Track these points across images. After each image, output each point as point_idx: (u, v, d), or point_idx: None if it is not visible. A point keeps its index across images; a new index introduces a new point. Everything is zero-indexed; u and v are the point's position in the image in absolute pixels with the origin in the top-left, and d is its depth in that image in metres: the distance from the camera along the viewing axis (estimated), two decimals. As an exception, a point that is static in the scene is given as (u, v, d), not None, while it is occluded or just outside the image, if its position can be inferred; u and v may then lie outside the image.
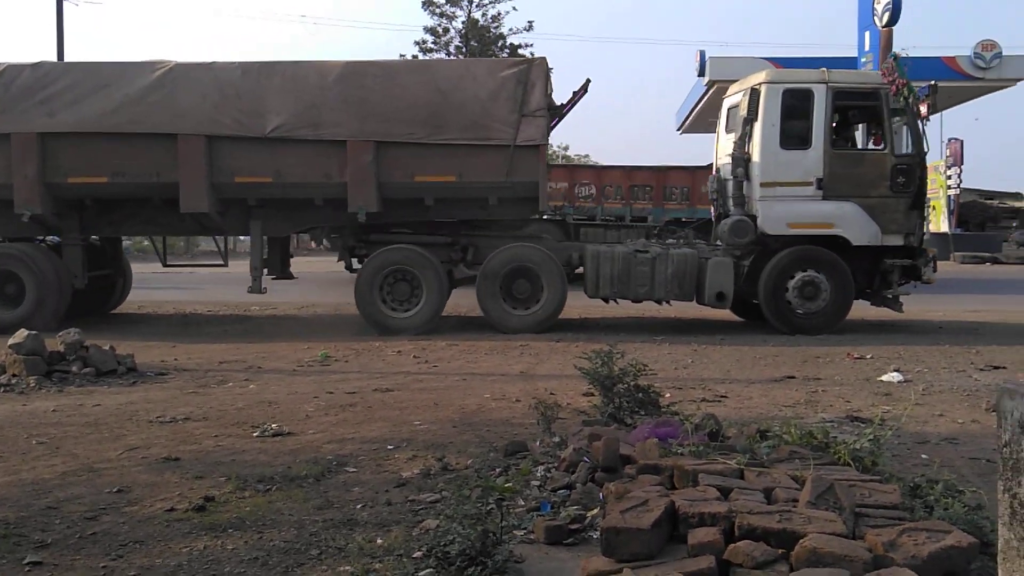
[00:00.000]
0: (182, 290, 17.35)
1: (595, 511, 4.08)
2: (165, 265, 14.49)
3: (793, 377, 8.94)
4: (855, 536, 3.37)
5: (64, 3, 32.29)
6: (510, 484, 4.63)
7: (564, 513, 4.12)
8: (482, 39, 45.39)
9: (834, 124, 11.98)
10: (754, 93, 11.89)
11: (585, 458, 4.71)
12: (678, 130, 41.44)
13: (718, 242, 12.63)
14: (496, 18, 46.00)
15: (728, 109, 13.07)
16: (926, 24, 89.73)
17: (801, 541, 3.17)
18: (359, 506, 4.66)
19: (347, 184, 11.75)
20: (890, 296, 12.12)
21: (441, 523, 4.19)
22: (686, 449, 4.53)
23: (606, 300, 12.63)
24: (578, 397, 7.39)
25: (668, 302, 12.55)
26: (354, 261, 12.85)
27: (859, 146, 12.84)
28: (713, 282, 11.88)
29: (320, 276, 20.18)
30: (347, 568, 3.81)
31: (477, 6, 45.68)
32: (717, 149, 13.48)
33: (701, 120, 38.70)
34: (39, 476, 5.22)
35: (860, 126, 12.91)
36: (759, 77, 12.18)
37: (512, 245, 12.26)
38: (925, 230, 11.82)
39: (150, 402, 7.53)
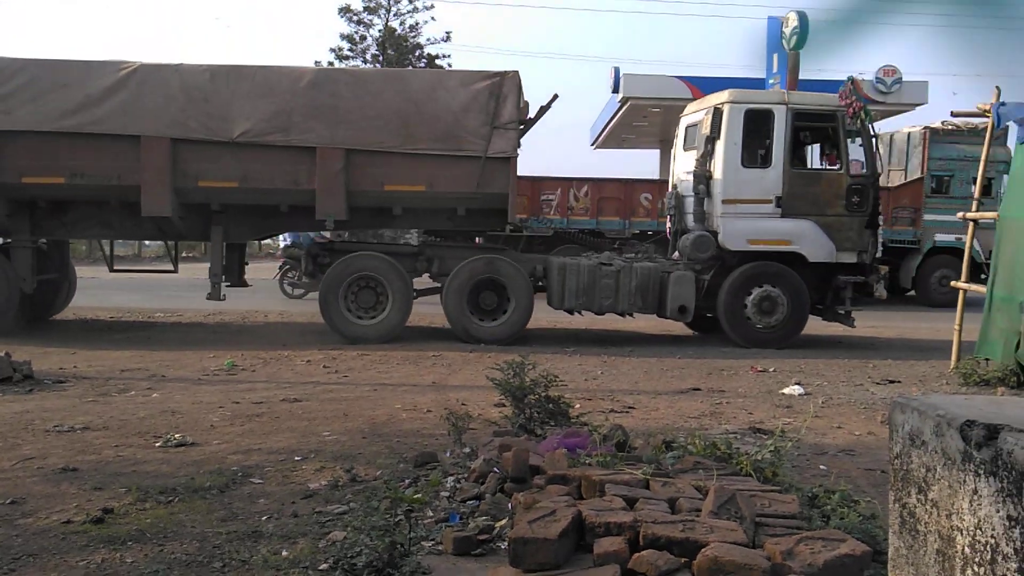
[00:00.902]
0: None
1: (504, 522, 4.10)
2: (112, 270, 14.04)
3: (698, 389, 9.12)
4: (755, 545, 3.47)
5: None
6: (419, 495, 4.61)
7: (473, 524, 4.13)
8: (399, 48, 45.25)
9: (792, 144, 12.31)
10: (717, 112, 12.19)
11: (495, 468, 4.73)
12: (592, 145, 41.93)
13: (675, 256, 12.88)
14: (414, 27, 45.94)
15: (686, 127, 13.39)
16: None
17: (703, 550, 3.24)
18: (264, 518, 4.59)
19: (315, 191, 11.63)
20: (842, 312, 12.48)
21: (348, 535, 4.16)
22: (594, 459, 4.59)
23: (570, 312, 12.73)
24: (490, 408, 7.40)
25: (631, 314, 12.73)
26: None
27: (812, 166, 13.15)
28: (675, 295, 12.11)
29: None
30: (251, 581, 3.75)
31: (395, 15, 45.55)
32: (674, 166, 13.81)
33: (614, 136, 39.25)
34: (-75, 488, 5.00)
35: (815, 146, 13.22)
36: (721, 97, 12.49)
37: (480, 257, 12.27)
38: (877, 248, 12.20)
39: (47, 411, 7.27)
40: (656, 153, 41.44)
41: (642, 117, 34.23)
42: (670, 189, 13.76)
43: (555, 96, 12.80)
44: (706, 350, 12.03)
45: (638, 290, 12.19)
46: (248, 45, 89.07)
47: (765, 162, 12.21)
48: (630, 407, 7.97)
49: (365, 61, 44.55)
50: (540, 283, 12.56)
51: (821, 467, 5.85)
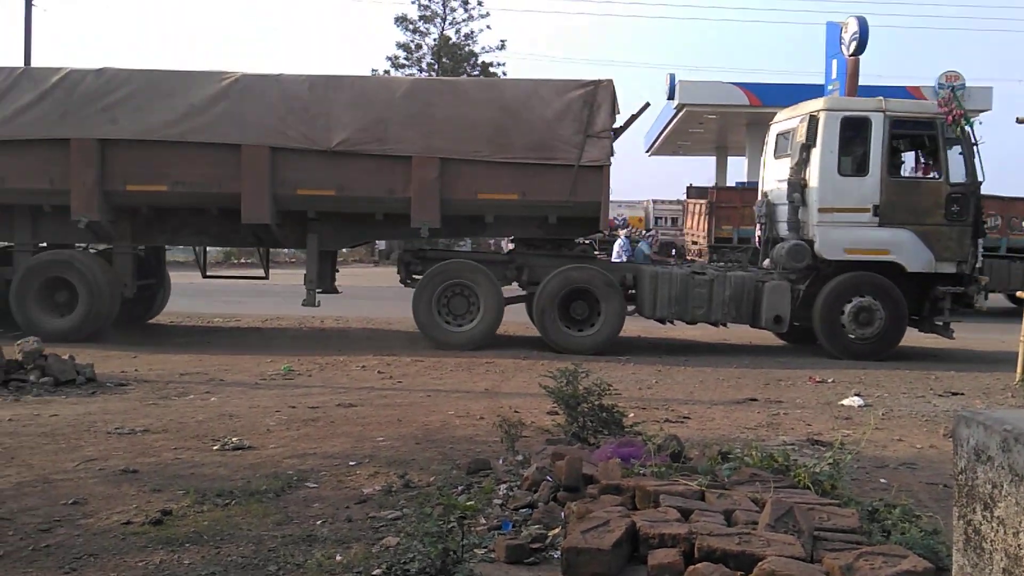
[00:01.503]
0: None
1: (556, 530, 4.08)
2: (205, 276, 14.31)
3: (755, 399, 9.01)
4: (813, 559, 3.40)
5: (32, 8, 31.96)
6: (472, 502, 4.61)
7: (525, 532, 4.11)
8: (454, 56, 45.60)
9: (890, 152, 12.12)
10: (812, 120, 12.08)
11: (548, 477, 4.71)
12: (646, 151, 41.79)
13: (765, 264, 12.80)
14: (469, 36, 46.26)
15: (777, 135, 13.29)
16: (892, 54, 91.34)
17: (760, 564, 3.19)
18: (319, 522, 4.62)
19: (410, 199, 11.78)
20: (940, 323, 12.22)
21: (402, 540, 4.17)
22: (648, 470, 4.55)
23: (662, 321, 12.69)
24: (542, 416, 7.39)
25: (725, 324, 12.61)
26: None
27: (908, 175, 12.89)
28: (770, 305, 12.00)
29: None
30: (305, 585, 3.78)
31: (450, 24, 45.90)
32: (764, 174, 13.71)
33: (670, 142, 39.07)
34: (-8, 486, 5.13)
35: (912, 155, 13.00)
36: (817, 104, 12.40)
37: (571, 266, 12.27)
38: (978, 259, 11.94)
39: (108, 413, 7.42)
40: (712, 160, 41.15)
41: (698, 124, 34.05)
42: (760, 196, 13.61)
43: (647, 104, 12.84)
44: (763, 360, 11.87)
45: (732, 299, 12.09)
46: (304, 53, 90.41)
47: (862, 170, 11.99)
48: (685, 417, 7.90)
49: (420, 70, 45.00)
50: (630, 291, 12.49)
51: (881, 480, 5.73)
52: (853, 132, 12.03)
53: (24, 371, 8.50)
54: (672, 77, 31.63)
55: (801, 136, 12.12)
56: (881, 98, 12.26)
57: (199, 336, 13.24)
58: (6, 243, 12.94)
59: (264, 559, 4.07)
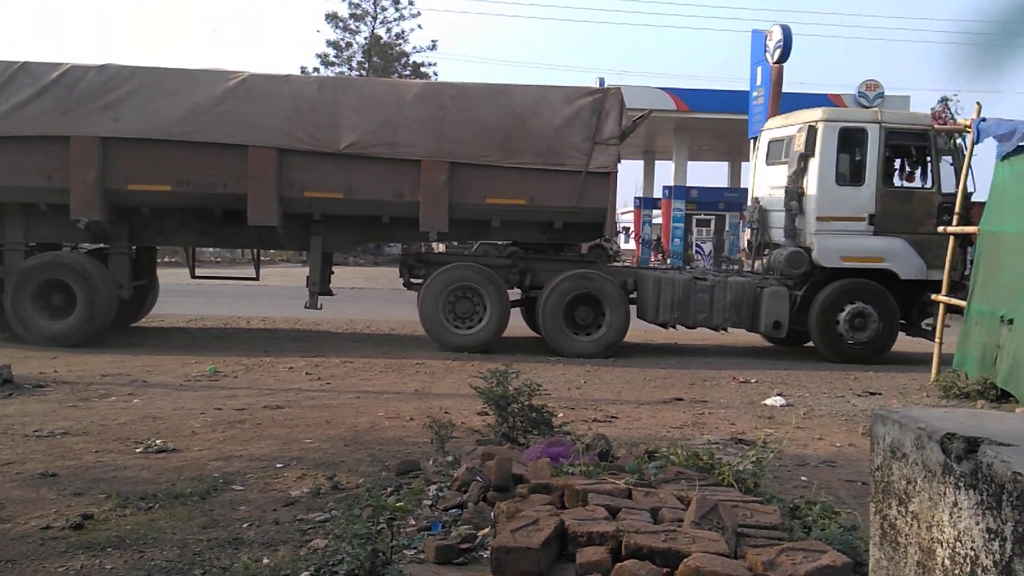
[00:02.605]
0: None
1: (486, 530, 4.09)
2: (194, 276, 13.89)
3: (681, 399, 9.15)
4: (737, 555, 3.48)
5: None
6: (402, 503, 4.61)
7: (455, 532, 4.12)
8: (385, 55, 45.30)
9: (885, 162, 12.35)
10: (811, 130, 12.28)
11: (478, 477, 4.72)
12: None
13: (755, 268, 12.97)
14: (400, 36, 45.99)
15: (769, 142, 13.49)
16: (814, 62, 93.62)
17: (685, 560, 3.25)
18: (245, 525, 4.57)
19: (419, 203, 11.71)
20: (928, 327, 12.45)
21: (330, 543, 4.14)
22: (577, 469, 4.60)
23: (663, 326, 12.74)
24: (473, 416, 7.40)
25: (725, 329, 12.71)
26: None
27: (900, 184, 13.05)
28: (770, 311, 12.14)
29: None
30: (232, 588, 3.73)
31: (381, 23, 45.59)
32: (754, 179, 13.90)
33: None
34: (-98, 492, 4.95)
35: (903, 165, 13.17)
36: (815, 115, 12.61)
37: (577, 271, 12.29)
38: (967, 266, 12.21)
39: (26, 415, 7.21)
40: (640, 164, 41.58)
41: (626, 128, 34.27)
42: (751, 202, 13.83)
43: (649, 112, 12.92)
44: (688, 360, 12.07)
45: (732, 305, 12.22)
46: (234, 49, 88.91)
47: (858, 180, 12.29)
48: (613, 417, 7.99)
49: (351, 68, 44.61)
50: (631, 296, 12.54)
51: (802, 478, 5.88)
52: (850, 142, 12.34)
53: (-64, 372, 8.21)
54: (601, 81, 31.89)
55: (800, 145, 12.35)
56: (877, 109, 12.61)
57: (121, 336, 12.87)
58: None
59: (189, 563, 4.01)
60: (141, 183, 11.56)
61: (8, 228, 11.96)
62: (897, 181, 12.87)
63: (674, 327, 12.81)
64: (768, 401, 9.14)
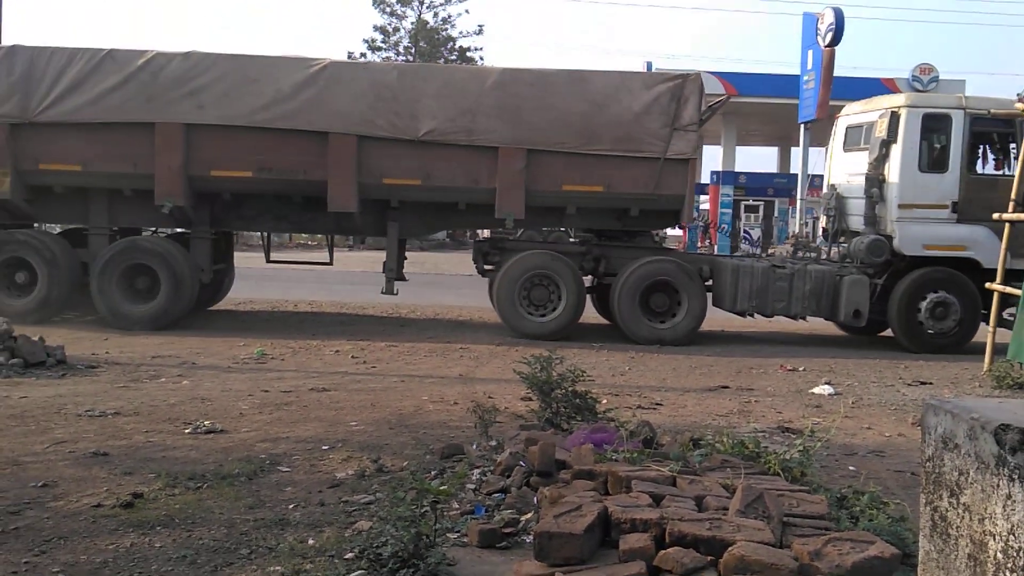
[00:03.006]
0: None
1: (529, 515, 4.10)
2: (268, 261, 14.08)
3: (727, 387, 9.08)
4: (782, 545, 3.44)
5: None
6: (445, 487, 4.62)
7: (498, 517, 4.13)
8: (431, 40, 45.37)
9: (970, 149, 12.14)
10: (894, 116, 12.09)
11: (521, 462, 4.73)
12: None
13: (833, 255, 12.84)
14: (447, 20, 46.03)
15: (847, 128, 13.31)
16: (867, 46, 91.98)
17: (730, 549, 3.22)
18: (291, 506, 4.62)
19: (496, 190, 11.75)
20: (1009, 317, 12.23)
21: (374, 525, 4.18)
22: (620, 455, 4.58)
23: (742, 314, 12.65)
24: (516, 401, 7.41)
25: (804, 318, 12.60)
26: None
27: (983, 171, 12.74)
28: (850, 299, 11.98)
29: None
30: (277, 568, 3.78)
31: (428, 7, 45.65)
32: (830, 165, 13.72)
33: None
34: (-40, 469, 5.08)
35: (987, 151, 12.88)
36: (898, 100, 12.43)
37: (653, 258, 12.31)
38: None
39: (79, 395, 7.36)
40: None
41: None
42: (827, 189, 13.64)
43: (727, 97, 12.78)
44: (735, 348, 11.96)
45: (812, 293, 12.07)
46: (281, 35, 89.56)
47: (941, 167, 12.04)
48: (658, 404, 7.95)
49: (397, 53, 44.74)
50: (707, 284, 12.49)
51: (850, 468, 5.80)
52: (934, 128, 12.08)
53: (-7, 352, 8.40)
54: (649, 65, 31.66)
55: (881, 131, 12.13)
56: (961, 95, 12.29)
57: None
58: (76, 225, 12.78)
59: (236, 543, 4.07)
60: (224, 169, 11.68)
61: (93, 213, 12.17)
62: (980, 168, 12.53)
63: (751, 316, 12.66)
64: (816, 389, 9.02)
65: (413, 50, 44.66)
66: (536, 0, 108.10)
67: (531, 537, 3.68)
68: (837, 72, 24.20)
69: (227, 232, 13.75)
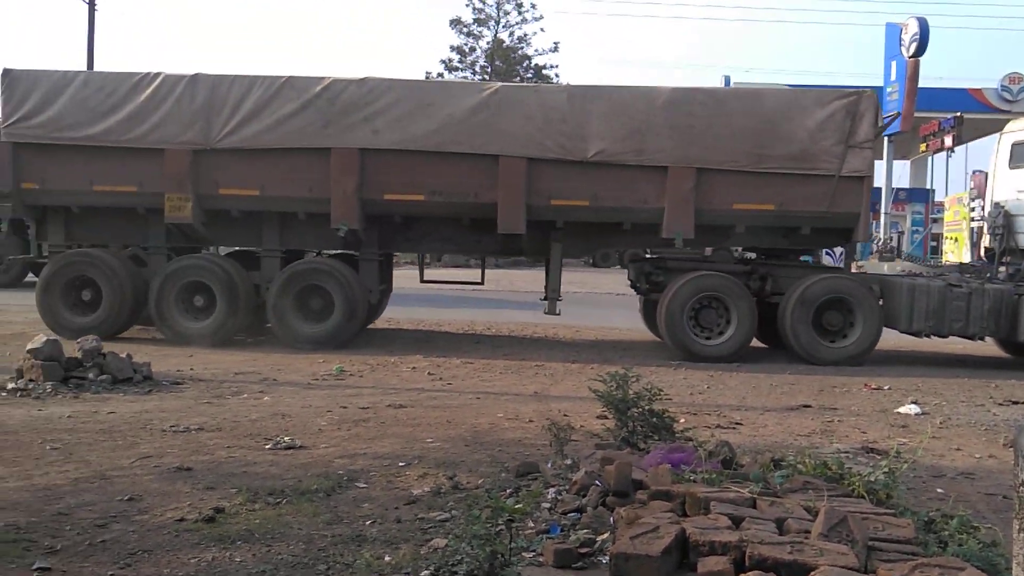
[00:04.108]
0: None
1: (605, 536, 4.05)
2: (423, 281, 14.36)
3: (809, 406, 8.88)
4: (867, 570, 3.33)
5: (96, 12, 32.76)
6: (520, 505, 4.61)
7: (574, 536, 4.09)
8: (507, 59, 45.68)
9: None
10: None
11: (597, 481, 4.68)
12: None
13: (1000, 275, 12.62)
14: (523, 39, 46.31)
15: (1012, 144, 13.07)
16: (952, 56, 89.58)
17: (812, 573, 3.14)
18: (368, 522, 4.65)
19: (663, 209, 11.76)
20: None
21: (450, 542, 4.18)
22: (699, 476, 4.50)
23: (916, 335, 12.42)
24: (592, 420, 7.36)
25: (982, 338, 12.35)
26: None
27: None
28: None
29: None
30: (354, 585, 3.80)
31: (504, 27, 46.00)
32: (994, 183, 13.47)
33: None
34: (51, 482, 5.25)
35: None
36: None
37: (827, 275, 12.28)
38: None
39: (164, 411, 7.55)
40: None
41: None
42: (991, 207, 13.37)
43: (897, 114, 12.65)
44: (816, 367, 11.70)
45: (991, 313, 11.76)
46: (357, 56, 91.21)
47: None
48: (737, 423, 7.81)
49: (474, 72, 45.16)
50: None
51: (938, 490, 5.62)
52: None
53: (83, 368, 8.67)
54: (727, 79, 31.38)
55: None
56: None
57: (253, 335, 13.32)
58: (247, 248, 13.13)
59: (314, 558, 4.11)
60: (397, 193, 11.88)
61: (266, 236, 12.50)
62: None
63: (928, 336, 12.30)
64: (902, 409, 8.76)
65: (489, 69, 45.05)
66: (609, 18, 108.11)
67: (607, 558, 3.63)
68: (922, 83, 23.66)
69: (388, 253, 13.88)
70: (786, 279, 12.19)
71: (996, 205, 12.98)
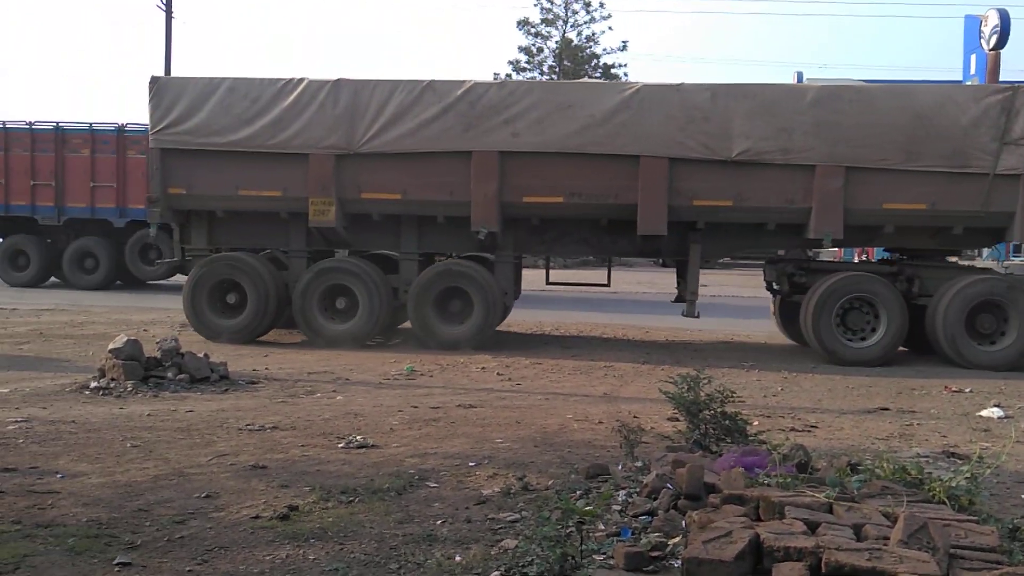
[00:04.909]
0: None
1: (677, 539, 4.01)
2: (548, 282, 14.53)
3: (887, 409, 8.67)
4: (949, 579, 3.24)
5: (172, 21, 33.62)
6: (591, 507, 4.58)
7: (645, 540, 4.06)
8: (576, 58, 45.61)
9: None
10: None
11: (668, 484, 4.64)
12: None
13: None
14: (591, 38, 46.18)
15: None
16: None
17: (892, 582, 3.06)
18: (439, 522, 4.68)
19: (811, 209, 11.65)
20: None
21: (520, 543, 4.18)
22: (773, 480, 4.43)
23: None
24: (662, 422, 7.30)
25: None
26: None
27: None
28: None
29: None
30: (425, 584, 3.82)
31: (572, 26, 45.93)
32: None
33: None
34: (132, 479, 5.39)
35: None
36: None
37: (980, 276, 11.97)
38: None
39: (240, 410, 7.71)
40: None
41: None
42: None
43: None
44: (895, 368, 11.42)
45: None
46: (425, 59, 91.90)
47: None
48: (812, 426, 7.67)
49: (542, 72, 45.17)
50: None
51: (1023, 497, 5.43)
52: None
53: (162, 368, 8.89)
54: (800, 76, 30.86)
55: None
56: None
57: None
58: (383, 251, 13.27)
59: (386, 557, 4.15)
60: (536, 195, 11.95)
61: (404, 239, 12.71)
62: None
63: None
64: (984, 412, 8.51)
65: (557, 69, 45.01)
66: (678, 15, 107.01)
67: (679, 562, 3.60)
68: (1003, 76, 22.94)
69: (522, 255, 13.98)
70: (935, 280, 11.88)
71: None
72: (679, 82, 11.78)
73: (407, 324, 13.09)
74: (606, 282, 13.98)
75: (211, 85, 12.21)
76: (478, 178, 11.78)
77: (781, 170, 11.56)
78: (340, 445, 6.42)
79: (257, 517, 4.68)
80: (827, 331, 11.69)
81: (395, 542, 4.35)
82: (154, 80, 12.40)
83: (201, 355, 9.25)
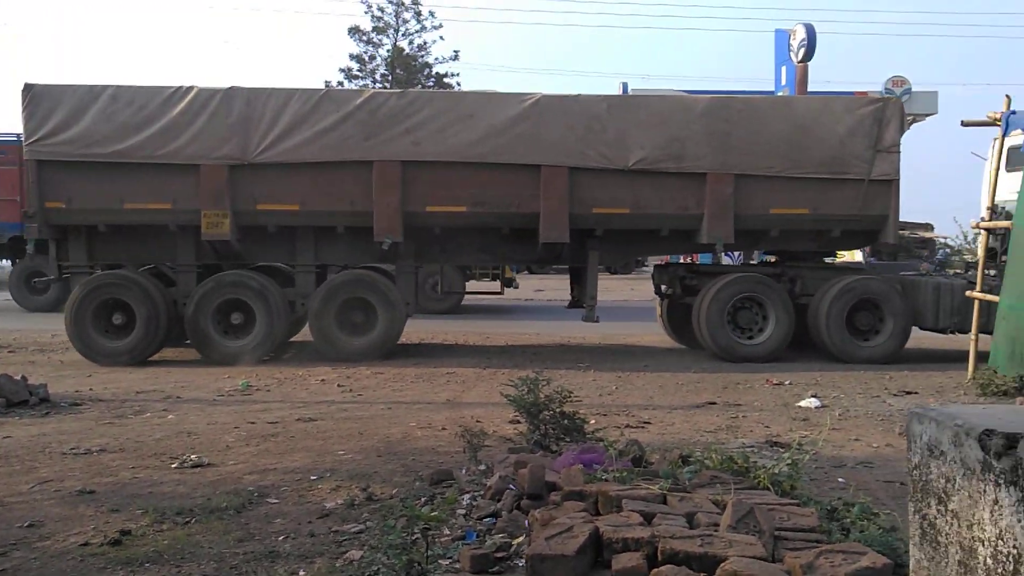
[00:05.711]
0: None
1: (521, 539, 4.08)
2: (443, 292, 14.22)
3: (714, 403, 9.09)
4: (775, 559, 3.45)
5: None
6: (436, 513, 4.60)
7: (490, 541, 4.11)
8: (408, 68, 45.54)
9: None
10: None
11: (511, 485, 4.72)
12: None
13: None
14: (422, 47, 46.23)
15: (1009, 148, 13.09)
16: (839, 60, 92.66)
17: (722, 564, 3.23)
18: (281, 538, 4.59)
19: (703, 216, 11.92)
20: None
21: (365, 554, 4.15)
22: (610, 475, 4.58)
23: (942, 332, 12.64)
24: (505, 425, 7.40)
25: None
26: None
27: None
28: None
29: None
30: (269, 601, 3.74)
31: (403, 35, 45.86)
32: (995, 186, 13.65)
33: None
34: (-56, 512, 5.02)
35: None
36: None
37: (858, 277, 12.47)
38: None
39: (64, 433, 7.29)
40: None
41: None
42: (991, 209, 13.59)
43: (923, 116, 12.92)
44: (721, 364, 11.98)
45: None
46: (257, 66, 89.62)
47: None
48: (646, 422, 7.95)
49: (374, 81, 44.88)
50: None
51: (839, 480, 5.81)
52: None
53: (-26, 393, 8.32)
54: (624, 86, 31.90)
55: None
56: None
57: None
58: (267, 264, 12.74)
59: (226, 577, 4.03)
60: (439, 204, 11.80)
61: (300, 251, 12.26)
62: None
63: (953, 333, 12.63)
64: (802, 403, 9.05)
65: (390, 77, 44.84)
66: (508, 26, 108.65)
67: (523, 561, 3.67)
68: (811, 87, 24.45)
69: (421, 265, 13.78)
70: (814, 281, 12.56)
71: (996, 207, 13.40)
72: (576, 93, 12.12)
73: (297, 337, 12.83)
74: (500, 291, 14.21)
75: (91, 93, 11.52)
76: (380, 188, 11.64)
77: (675, 178, 11.95)
78: (173, 465, 6.18)
79: (87, 544, 4.45)
80: (720, 330, 12.23)
81: (235, 561, 4.23)
82: (28, 87, 11.54)
83: (18, 377, 8.70)
